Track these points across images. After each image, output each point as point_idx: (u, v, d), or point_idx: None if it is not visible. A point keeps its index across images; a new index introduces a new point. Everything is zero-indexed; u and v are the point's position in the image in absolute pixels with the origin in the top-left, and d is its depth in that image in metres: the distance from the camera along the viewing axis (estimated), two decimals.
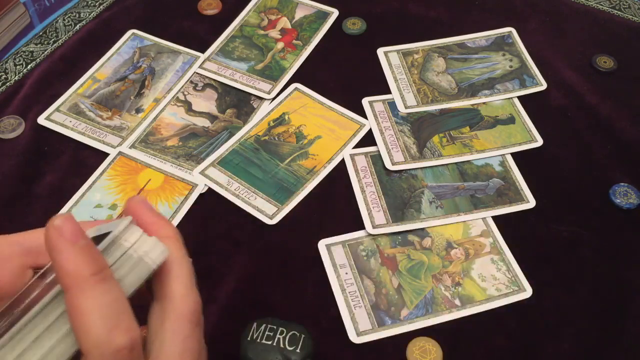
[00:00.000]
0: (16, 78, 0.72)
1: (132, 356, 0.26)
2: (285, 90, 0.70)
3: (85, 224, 0.33)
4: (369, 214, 0.60)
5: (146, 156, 0.64)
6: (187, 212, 0.61)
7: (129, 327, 0.26)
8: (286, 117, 0.68)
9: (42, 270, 0.32)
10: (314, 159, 0.65)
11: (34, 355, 0.26)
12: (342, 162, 0.65)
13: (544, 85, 0.72)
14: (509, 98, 0.71)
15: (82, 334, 0.25)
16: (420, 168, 0.64)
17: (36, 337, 0.26)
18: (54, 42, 0.76)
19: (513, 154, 0.66)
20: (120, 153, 0.64)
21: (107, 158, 0.64)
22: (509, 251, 0.59)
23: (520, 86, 0.71)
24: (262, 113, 0.68)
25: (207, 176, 0.63)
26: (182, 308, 0.30)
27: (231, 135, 0.67)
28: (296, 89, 0.71)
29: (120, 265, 0.28)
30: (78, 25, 0.78)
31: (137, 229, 0.30)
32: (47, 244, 0.26)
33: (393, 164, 0.64)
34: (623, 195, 0.62)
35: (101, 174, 0.63)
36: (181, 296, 0.30)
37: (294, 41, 0.76)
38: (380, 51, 0.75)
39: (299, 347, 0.50)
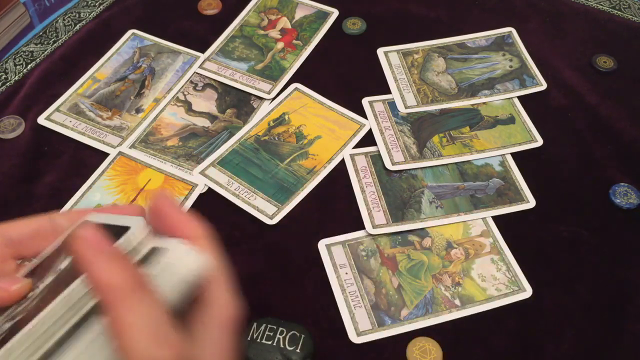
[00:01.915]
0: (16, 78, 0.72)
1: None
2: (285, 90, 0.70)
3: (85, 211, 0.32)
4: (369, 214, 0.60)
5: (146, 156, 0.64)
6: (187, 212, 0.61)
7: (174, 341, 0.25)
8: (286, 117, 0.68)
9: (29, 267, 0.31)
10: (314, 159, 0.65)
11: None
12: (342, 162, 0.65)
13: (544, 85, 0.72)
14: (509, 98, 0.71)
15: (127, 350, 0.24)
16: (420, 168, 0.64)
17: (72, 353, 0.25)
18: (54, 42, 0.76)
19: (513, 154, 0.66)
20: (120, 153, 0.64)
21: (107, 158, 0.64)
22: (509, 251, 0.59)
23: (520, 86, 0.71)
24: (262, 113, 0.68)
25: (207, 176, 0.63)
26: (226, 317, 0.29)
27: (231, 135, 0.67)
28: (296, 89, 0.71)
29: (157, 275, 0.27)
30: (78, 25, 0.78)
31: (175, 241, 0.28)
32: (76, 255, 0.25)
33: (393, 164, 0.64)
34: (623, 195, 0.62)
35: (101, 174, 0.63)
36: (224, 305, 0.29)
37: (294, 41, 0.76)
38: (380, 51, 0.75)
39: (299, 347, 0.50)
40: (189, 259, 0.28)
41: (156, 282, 0.27)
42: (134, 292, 0.25)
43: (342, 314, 0.54)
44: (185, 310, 0.29)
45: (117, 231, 0.27)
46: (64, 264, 0.29)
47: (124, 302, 0.24)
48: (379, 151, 0.65)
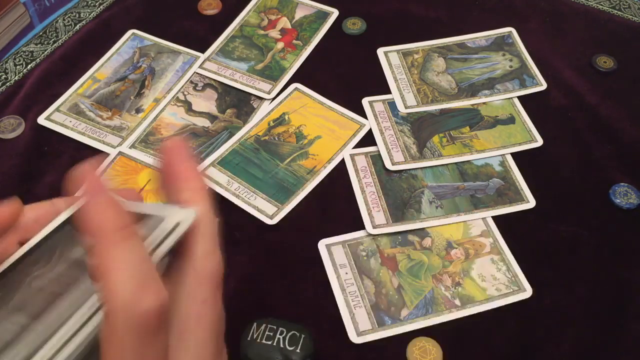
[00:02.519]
0: (16, 78, 0.72)
1: (160, 322, 0.24)
2: (285, 90, 0.70)
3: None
4: (369, 214, 0.60)
5: (146, 156, 0.64)
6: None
7: (158, 289, 0.24)
8: (286, 117, 0.68)
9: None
10: (314, 159, 0.65)
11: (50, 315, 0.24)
12: (342, 162, 0.65)
13: (544, 85, 0.72)
14: (509, 98, 0.71)
15: (108, 294, 0.23)
16: (420, 168, 0.64)
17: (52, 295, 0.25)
18: (54, 42, 0.76)
19: (513, 154, 0.66)
20: (120, 153, 0.64)
21: (107, 158, 0.64)
22: (509, 251, 0.59)
23: (520, 86, 0.71)
24: (262, 113, 0.68)
25: (207, 176, 0.63)
26: (203, 268, 0.27)
27: (231, 135, 0.67)
28: (296, 89, 0.71)
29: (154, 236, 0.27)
30: (78, 25, 0.78)
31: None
32: (74, 188, 0.25)
33: (393, 164, 0.64)
34: (623, 195, 0.62)
35: (101, 174, 0.63)
36: (202, 255, 0.27)
37: (294, 41, 0.76)
38: (380, 51, 0.75)
39: (299, 347, 0.50)
40: (180, 218, 0.27)
41: (145, 234, 0.27)
42: (123, 237, 0.24)
43: (342, 314, 0.54)
44: (169, 262, 0.29)
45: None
46: (76, 253, 0.29)
47: (113, 245, 0.24)
48: (379, 151, 0.65)
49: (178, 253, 0.28)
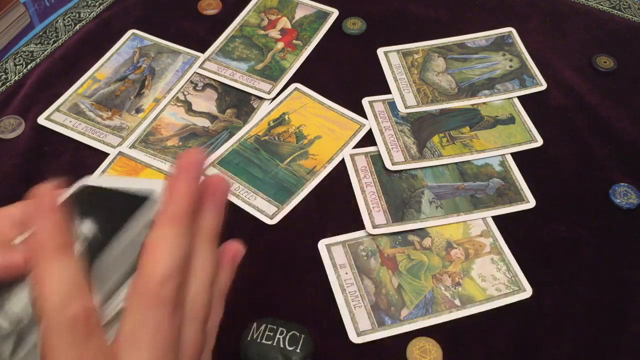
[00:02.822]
0: (16, 78, 0.72)
1: (88, 328, 0.27)
2: (285, 90, 0.70)
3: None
4: (369, 214, 0.60)
5: (146, 156, 0.64)
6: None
7: (84, 299, 0.27)
8: (286, 117, 0.68)
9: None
10: (314, 159, 0.65)
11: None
12: (342, 162, 0.65)
13: (544, 85, 0.72)
14: (509, 98, 0.71)
15: (41, 300, 0.27)
16: (420, 168, 0.64)
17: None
18: (54, 42, 0.76)
19: (513, 154, 0.66)
20: (120, 153, 0.64)
21: (107, 158, 0.64)
22: (509, 251, 0.59)
23: (520, 86, 0.71)
24: (262, 113, 0.68)
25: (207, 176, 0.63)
26: (153, 285, 0.29)
27: (231, 135, 0.67)
28: (296, 89, 0.71)
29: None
30: (78, 25, 0.78)
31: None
32: (30, 210, 0.28)
33: (393, 164, 0.64)
34: (623, 195, 0.62)
35: (101, 174, 0.63)
36: (155, 274, 0.29)
37: (294, 41, 0.76)
38: (380, 51, 0.75)
39: (299, 347, 0.50)
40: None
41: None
42: (59, 252, 0.27)
43: (342, 314, 0.54)
44: None
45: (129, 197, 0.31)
46: (86, 228, 0.31)
47: (49, 259, 0.27)
48: (379, 151, 0.65)
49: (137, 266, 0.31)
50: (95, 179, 0.33)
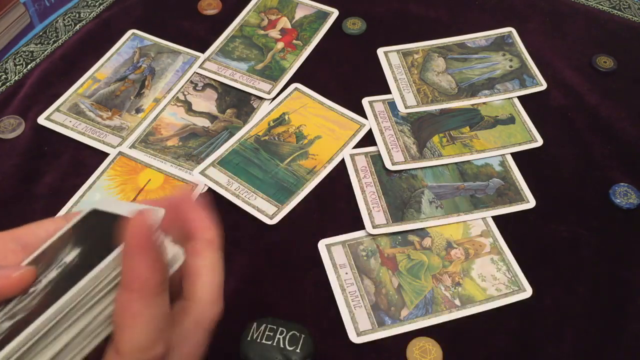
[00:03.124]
0: (16, 78, 0.72)
1: None
2: (285, 90, 0.70)
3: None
4: (369, 214, 0.60)
5: (146, 156, 0.64)
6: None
7: (168, 338, 0.27)
8: (286, 117, 0.68)
9: (29, 259, 0.31)
10: (314, 159, 0.65)
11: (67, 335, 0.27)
12: (342, 162, 0.65)
13: (544, 85, 0.72)
14: (509, 98, 0.71)
15: (126, 336, 0.26)
16: (420, 168, 0.64)
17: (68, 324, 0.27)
18: (54, 42, 0.76)
19: (513, 154, 0.66)
20: (120, 153, 0.64)
21: (107, 158, 0.64)
22: (509, 251, 0.59)
23: (520, 86, 0.71)
24: (262, 113, 0.68)
25: (207, 176, 0.63)
26: (204, 316, 0.30)
27: (231, 135, 0.67)
28: (296, 89, 0.71)
29: None
30: (78, 25, 0.78)
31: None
32: (127, 242, 0.27)
33: (393, 164, 0.64)
34: (623, 195, 0.62)
35: (101, 174, 0.63)
36: (206, 303, 0.30)
37: (294, 41, 0.76)
38: (380, 51, 0.75)
39: (299, 347, 0.50)
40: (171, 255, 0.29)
41: None
42: (158, 291, 0.27)
43: (342, 314, 0.54)
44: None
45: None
46: (70, 256, 0.29)
47: (147, 296, 0.26)
48: (379, 151, 0.65)
49: (184, 293, 0.30)
50: (104, 203, 0.32)
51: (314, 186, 0.63)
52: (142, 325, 0.26)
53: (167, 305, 0.28)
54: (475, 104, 0.70)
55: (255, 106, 0.70)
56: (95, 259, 0.27)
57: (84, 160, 0.65)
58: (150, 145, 0.66)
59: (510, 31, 0.77)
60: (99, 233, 0.30)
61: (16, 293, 0.29)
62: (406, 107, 0.69)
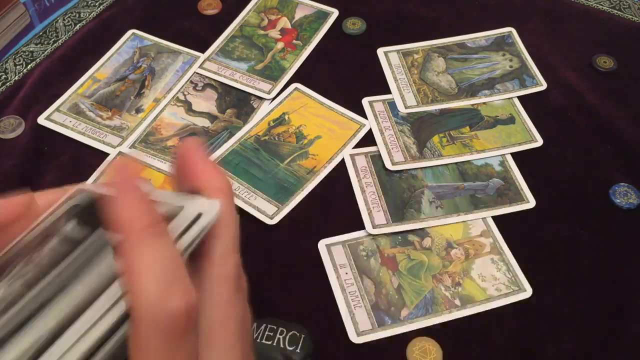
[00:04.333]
0: (16, 78, 0.72)
1: (188, 323, 0.23)
2: (285, 90, 0.70)
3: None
4: (369, 214, 0.60)
5: (146, 156, 0.64)
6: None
7: (186, 289, 0.23)
8: (286, 117, 0.68)
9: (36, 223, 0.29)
10: (314, 159, 0.65)
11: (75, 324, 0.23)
12: (342, 162, 0.65)
13: (544, 85, 0.72)
14: (509, 98, 0.71)
15: (134, 295, 0.22)
16: (420, 168, 0.64)
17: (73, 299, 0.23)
18: (54, 42, 0.76)
19: (513, 154, 0.66)
20: (120, 153, 0.64)
21: (107, 158, 0.64)
22: (509, 251, 0.59)
23: (520, 86, 0.71)
24: (262, 113, 0.68)
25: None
26: (221, 270, 0.26)
27: (231, 135, 0.67)
28: (296, 89, 0.71)
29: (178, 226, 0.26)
30: (78, 25, 0.78)
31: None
32: (110, 184, 0.24)
33: (393, 164, 0.64)
34: (623, 195, 0.62)
35: (101, 174, 0.63)
36: (220, 258, 0.27)
37: (294, 41, 0.76)
38: (380, 51, 0.75)
39: (299, 347, 0.50)
40: (205, 208, 0.26)
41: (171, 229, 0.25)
42: (153, 235, 0.23)
43: (342, 314, 0.54)
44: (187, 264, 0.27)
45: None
46: (69, 226, 0.28)
47: (142, 243, 0.23)
48: (379, 151, 0.65)
49: (196, 254, 0.27)
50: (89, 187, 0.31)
51: (314, 186, 0.63)
52: (146, 273, 0.22)
53: (174, 250, 0.24)
54: (475, 104, 0.70)
55: (255, 106, 0.70)
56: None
57: (84, 160, 0.65)
58: (150, 145, 0.66)
59: (510, 31, 0.77)
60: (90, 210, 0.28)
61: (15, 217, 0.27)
62: (406, 107, 0.69)
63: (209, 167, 0.28)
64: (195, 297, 0.23)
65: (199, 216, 0.26)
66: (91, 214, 0.28)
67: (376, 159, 0.65)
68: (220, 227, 0.27)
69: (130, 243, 0.22)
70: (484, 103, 0.70)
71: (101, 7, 0.80)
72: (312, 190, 0.62)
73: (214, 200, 0.27)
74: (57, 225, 0.29)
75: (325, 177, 0.64)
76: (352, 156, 0.65)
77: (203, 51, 0.74)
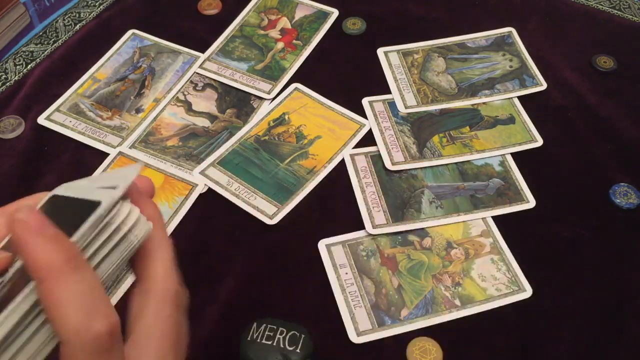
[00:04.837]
0: (16, 78, 0.72)
1: (112, 341, 0.26)
2: (285, 90, 0.70)
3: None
4: (369, 214, 0.60)
5: (146, 156, 0.64)
6: (187, 212, 0.61)
7: (107, 313, 0.26)
8: (286, 117, 0.68)
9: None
10: (314, 159, 0.65)
11: (15, 355, 0.26)
12: (342, 162, 0.65)
13: (544, 85, 0.72)
14: (509, 98, 0.71)
15: (60, 324, 0.25)
16: (420, 168, 0.64)
17: (10, 334, 0.26)
18: (54, 42, 0.76)
19: (513, 154, 0.66)
20: (120, 153, 0.64)
21: (107, 158, 0.64)
22: (509, 251, 0.59)
23: (520, 86, 0.71)
24: (262, 113, 0.68)
25: (207, 176, 0.63)
26: (164, 289, 0.30)
27: (231, 135, 0.67)
28: (296, 89, 0.71)
29: (110, 240, 0.28)
30: (78, 25, 0.78)
31: (128, 203, 0.29)
32: (15, 238, 0.26)
33: (393, 164, 0.64)
34: (623, 195, 0.62)
35: (100, 174, 0.63)
36: (163, 277, 0.30)
37: (294, 41, 0.76)
38: (380, 51, 0.75)
39: (299, 347, 0.50)
40: (136, 224, 0.29)
41: (106, 244, 0.28)
42: (73, 268, 0.25)
43: (342, 314, 0.54)
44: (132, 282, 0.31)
45: (86, 206, 0.28)
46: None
47: (58, 278, 0.25)
48: (379, 151, 0.65)
49: (140, 276, 0.30)
50: (65, 187, 0.31)
51: (314, 186, 0.63)
52: (69, 306, 0.25)
53: (93, 278, 0.26)
54: (475, 104, 0.70)
55: (255, 106, 0.70)
56: None
57: (84, 160, 0.65)
58: (150, 145, 0.66)
59: (510, 31, 0.77)
60: (63, 218, 0.29)
61: None
62: (406, 107, 0.69)
63: (140, 197, 0.31)
64: (116, 317, 0.26)
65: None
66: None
67: (376, 159, 0.65)
68: (160, 251, 0.30)
69: (51, 281, 0.25)
70: (484, 103, 0.70)
71: (101, 7, 0.80)
72: (312, 190, 0.62)
73: (149, 224, 0.30)
74: None
75: (325, 177, 0.64)
76: (352, 156, 0.65)
77: (203, 51, 0.74)
